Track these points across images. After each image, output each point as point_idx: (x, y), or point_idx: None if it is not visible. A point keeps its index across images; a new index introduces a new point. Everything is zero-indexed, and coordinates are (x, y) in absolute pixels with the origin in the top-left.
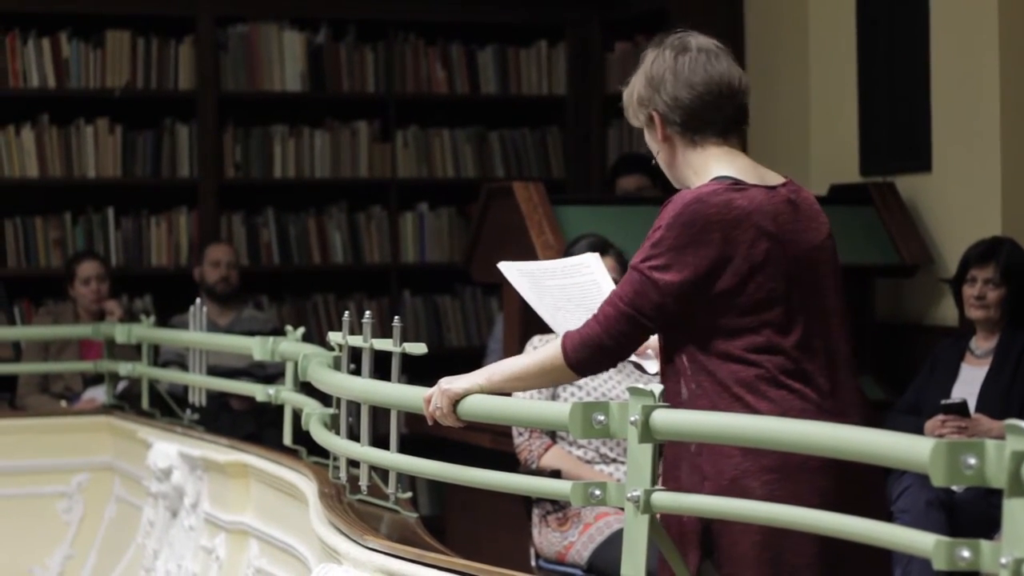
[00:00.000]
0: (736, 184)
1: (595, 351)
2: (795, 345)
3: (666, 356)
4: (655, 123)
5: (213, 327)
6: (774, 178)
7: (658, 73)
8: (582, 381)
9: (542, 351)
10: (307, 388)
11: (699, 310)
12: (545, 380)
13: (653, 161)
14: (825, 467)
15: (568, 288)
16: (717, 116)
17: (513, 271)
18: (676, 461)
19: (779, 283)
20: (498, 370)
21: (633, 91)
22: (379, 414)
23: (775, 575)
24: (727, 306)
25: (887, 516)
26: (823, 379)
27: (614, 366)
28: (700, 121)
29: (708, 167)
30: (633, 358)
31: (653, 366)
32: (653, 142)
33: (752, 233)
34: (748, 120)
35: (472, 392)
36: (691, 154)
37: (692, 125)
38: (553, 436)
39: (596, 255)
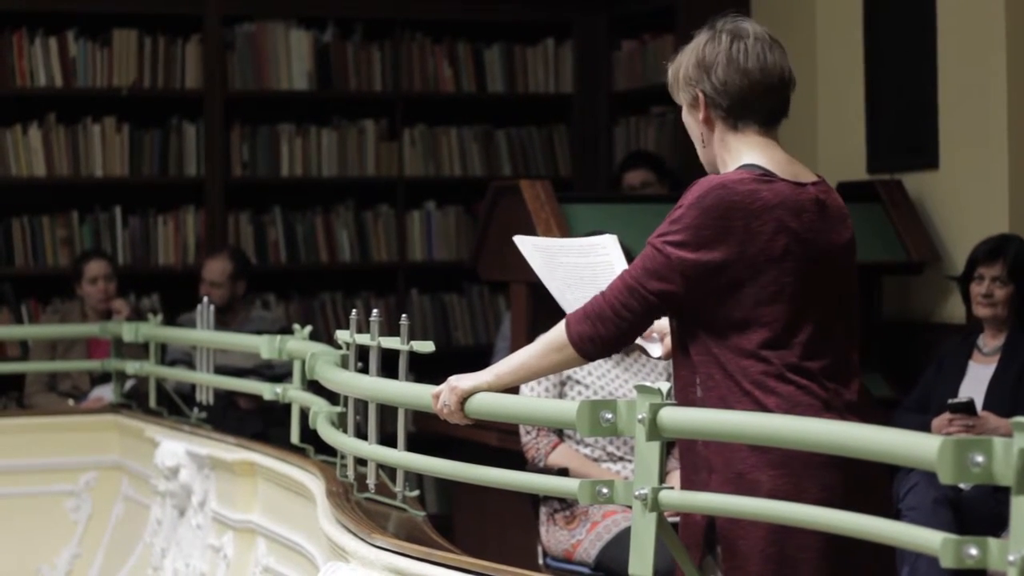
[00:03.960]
0: (764, 175)
1: (597, 319)
2: (805, 342)
3: (679, 346)
4: (699, 104)
5: (220, 326)
6: (807, 175)
7: (711, 56)
8: (589, 380)
9: (545, 336)
10: (314, 386)
11: (709, 299)
12: (550, 364)
13: (698, 143)
14: (830, 463)
15: (581, 267)
16: (763, 106)
17: (528, 245)
18: (684, 451)
19: (794, 279)
20: (504, 365)
21: (680, 68)
22: (386, 412)
23: (779, 568)
24: (740, 297)
25: (891, 512)
26: (830, 377)
27: (621, 347)
28: (745, 108)
29: (741, 154)
30: (638, 340)
31: (657, 350)
32: (692, 121)
33: (773, 226)
34: (788, 113)
35: (480, 390)
36: (730, 138)
37: (736, 111)
38: (560, 434)
39: (615, 237)
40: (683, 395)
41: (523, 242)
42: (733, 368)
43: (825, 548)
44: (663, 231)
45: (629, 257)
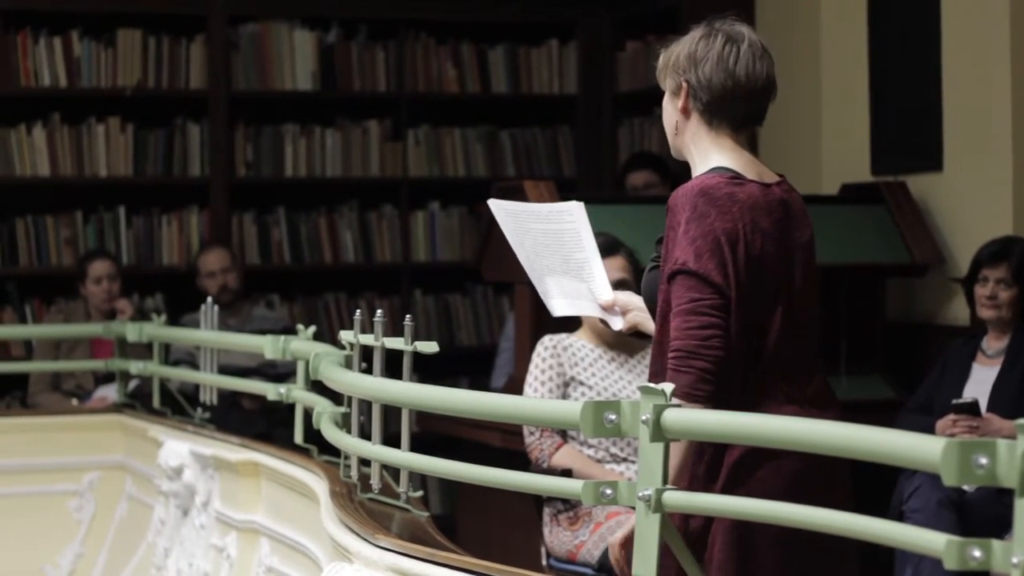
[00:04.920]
0: (735, 178)
1: (693, 358)
2: (772, 337)
3: (656, 346)
4: (681, 92)
5: (224, 326)
6: (770, 176)
7: (703, 51)
8: (592, 380)
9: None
10: (318, 387)
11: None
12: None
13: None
14: (787, 451)
15: (549, 234)
16: (739, 109)
17: (500, 210)
18: None
19: (764, 278)
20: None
21: (671, 56)
22: (390, 413)
23: (740, 554)
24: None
25: (852, 497)
26: (793, 371)
27: (717, 378)
28: (723, 108)
29: (712, 154)
30: (600, 314)
31: (618, 323)
32: (671, 108)
33: (749, 228)
34: (763, 121)
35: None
36: (702, 134)
37: (713, 109)
38: (564, 435)
39: (581, 204)
40: None
41: (496, 206)
42: None
43: (783, 533)
44: (679, 256)
45: (632, 259)
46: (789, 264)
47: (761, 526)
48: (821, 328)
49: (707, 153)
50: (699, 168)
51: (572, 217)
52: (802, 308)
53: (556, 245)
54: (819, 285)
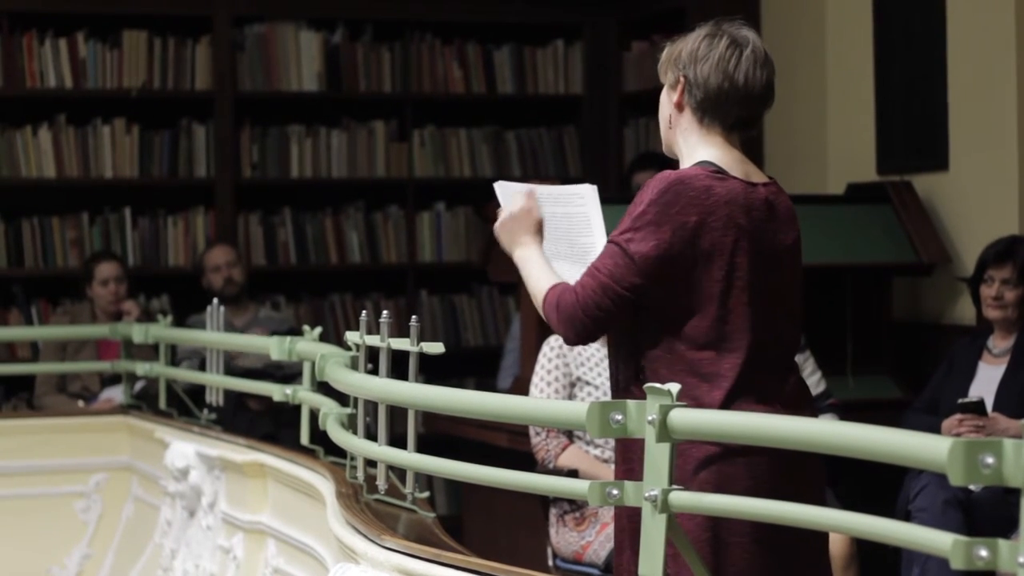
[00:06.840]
0: (717, 172)
1: (566, 319)
2: (749, 336)
3: (618, 342)
4: (677, 87)
5: (230, 327)
6: (758, 176)
7: (704, 51)
8: (599, 380)
9: (544, 279)
10: (324, 388)
11: (667, 291)
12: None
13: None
14: (756, 450)
15: (558, 217)
16: (732, 112)
17: (507, 191)
18: (619, 451)
19: (742, 274)
20: (529, 263)
21: (675, 51)
22: (396, 414)
23: (713, 551)
24: (692, 289)
25: (822, 495)
26: (769, 371)
27: (589, 339)
28: (715, 109)
29: (699, 149)
30: None
31: None
32: (666, 101)
33: (724, 222)
34: (756, 127)
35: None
36: (692, 129)
37: (706, 107)
38: (570, 435)
39: (594, 187)
40: (625, 393)
41: (502, 188)
42: (676, 360)
43: (756, 532)
44: (627, 228)
45: None
46: (766, 264)
47: (732, 527)
48: (800, 330)
49: (695, 148)
50: (686, 162)
51: (583, 200)
52: (780, 308)
53: (564, 228)
54: (802, 288)
